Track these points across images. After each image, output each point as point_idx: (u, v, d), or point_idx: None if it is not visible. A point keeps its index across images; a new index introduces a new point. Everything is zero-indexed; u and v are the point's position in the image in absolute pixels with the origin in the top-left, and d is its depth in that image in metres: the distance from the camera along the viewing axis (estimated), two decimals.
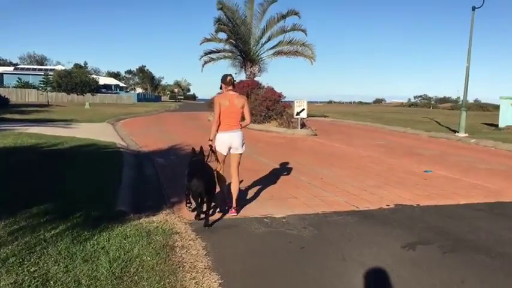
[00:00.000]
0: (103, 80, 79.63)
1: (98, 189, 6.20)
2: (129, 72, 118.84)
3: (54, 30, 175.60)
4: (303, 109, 16.55)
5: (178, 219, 5.28)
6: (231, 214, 5.60)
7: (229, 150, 5.60)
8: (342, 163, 9.98)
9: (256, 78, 23.81)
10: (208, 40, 24.75)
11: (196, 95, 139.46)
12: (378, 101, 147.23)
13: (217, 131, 5.47)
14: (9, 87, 60.74)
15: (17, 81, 60.99)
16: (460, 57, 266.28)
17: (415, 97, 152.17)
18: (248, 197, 6.67)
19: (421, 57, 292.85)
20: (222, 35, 24.27)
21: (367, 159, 10.68)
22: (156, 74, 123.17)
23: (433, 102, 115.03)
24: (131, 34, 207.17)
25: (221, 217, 5.56)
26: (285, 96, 19.82)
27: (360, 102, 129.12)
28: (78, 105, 46.95)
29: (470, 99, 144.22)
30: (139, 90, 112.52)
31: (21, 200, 5.30)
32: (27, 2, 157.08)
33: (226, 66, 43.01)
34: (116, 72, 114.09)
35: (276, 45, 24.24)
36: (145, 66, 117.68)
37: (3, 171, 7.21)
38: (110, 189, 6.25)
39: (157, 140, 14.32)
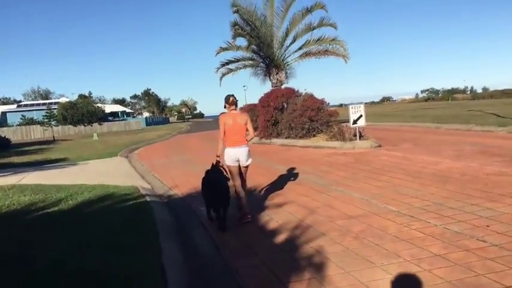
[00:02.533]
0: (109, 108, 77.57)
1: None
2: (134, 96, 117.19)
3: (56, 63, 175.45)
4: (361, 116, 13.34)
5: None
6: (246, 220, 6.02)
7: (237, 162, 6.09)
8: (476, 189, 6.74)
9: (283, 86, 20.72)
10: (224, 49, 21.75)
11: (203, 113, 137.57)
12: (386, 99, 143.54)
13: (224, 146, 6.04)
14: (13, 125, 58.48)
15: (21, 118, 58.73)
16: (460, 47, 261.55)
17: (422, 91, 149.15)
18: None
19: (420, 50, 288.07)
20: (240, 42, 21.31)
21: (502, 178, 7.41)
22: (162, 96, 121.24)
23: (440, 94, 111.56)
24: (133, 58, 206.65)
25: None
26: (328, 103, 16.67)
27: (373, 102, 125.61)
28: (86, 136, 44.28)
29: (478, 87, 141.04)
30: (146, 114, 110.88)
31: None
32: (26, 36, 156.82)
33: (247, 76, 40.02)
34: (121, 98, 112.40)
35: (303, 45, 21.14)
36: (150, 89, 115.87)
37: None
38: None
39: (187, 175, 11.26)
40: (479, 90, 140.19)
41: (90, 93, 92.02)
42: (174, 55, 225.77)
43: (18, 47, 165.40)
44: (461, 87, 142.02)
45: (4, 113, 68.41)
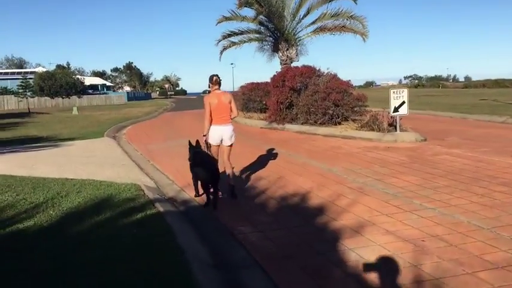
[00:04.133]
0: (89, 80, 73.90)
1: None
2: (115, 70, 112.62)
3: (32, 31, 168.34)
4: (403, 102, 11.23)
5: None
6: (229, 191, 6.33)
7: (221, 142, 6.29)
8: None
9: (294, 64, 18.45)
10: (227, 19, 19.19)
11: (185, 89, 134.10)
12: (369, 84, 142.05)
13: (210, 125, 6.21)
14: None
15: None
16: (444, 35, 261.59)
17: (405, 77, 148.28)
18: None
19: (405, 36, 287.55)
20: (246, 12, 18.82)
21: None
22: (144, 70, 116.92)
23: (424, 81, 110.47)
24: (115, 29, 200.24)
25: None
26: (354, 86, 14.51)
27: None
28: (65, 110, 41.29)
29: (460, 76, 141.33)
30: (127, 88, 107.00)
31: None
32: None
33: (252, 51, 37.09)
34: (101, 71, 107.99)
35: (317, 19, 18.79)
36: (132, 62, 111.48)
37: None
38: None
39: None
40: (461, 79, 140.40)
41: (68, 64, 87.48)
42: (158, 28, 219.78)
43: None
44: (444, 75, 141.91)
45: None
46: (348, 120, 13.20)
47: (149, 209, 5.62)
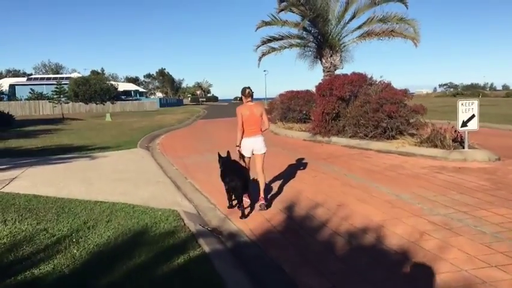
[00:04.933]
0: (122, 86, 74.44)
1: None
2: (148, 76, 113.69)
3: (68, 37, 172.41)
4: (473, 115, 9.90)
5: None
6: (260, 202, 6.34)
7: (252, 152, 6.46)
8: None
9: (337, 71, 17.29)
10: (267, 24, 18.16)
11: (217, 96, 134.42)
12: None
13: (242, 137, 6.39)
14: (21, 99, 55.65)
15: (30, 92, 55.72)
16: (479, 42, 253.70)
17: (440, 85, 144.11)
18: None
19: (439, 43, 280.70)
20: (288, 16, 17.77)
21: None
22: (176, 77, 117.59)
23: (460, 89, 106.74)
24: (148, 36, 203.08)
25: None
26: (410, 96, 13.21)
27: None
28: (98, 116, 41.23)
29: (498, 84, 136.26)
30: (159, 94, 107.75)
31: None
32: (39, 11, 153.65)
33: (293, 58, 35.91)
34: (134, 77, 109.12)
35: (364, 23, 17.55)
36: (164, 68, 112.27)
37: None
38: None
39: None
40: (499, 87, 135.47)
41: (102, 69, 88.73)
42: (190, 34, 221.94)
43: (30, 19, 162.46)
44: (481, 83, 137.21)
45: (13, 86, 65.43)
46: (403, 134, 11.86)
47: (192, 248, 4.58)
